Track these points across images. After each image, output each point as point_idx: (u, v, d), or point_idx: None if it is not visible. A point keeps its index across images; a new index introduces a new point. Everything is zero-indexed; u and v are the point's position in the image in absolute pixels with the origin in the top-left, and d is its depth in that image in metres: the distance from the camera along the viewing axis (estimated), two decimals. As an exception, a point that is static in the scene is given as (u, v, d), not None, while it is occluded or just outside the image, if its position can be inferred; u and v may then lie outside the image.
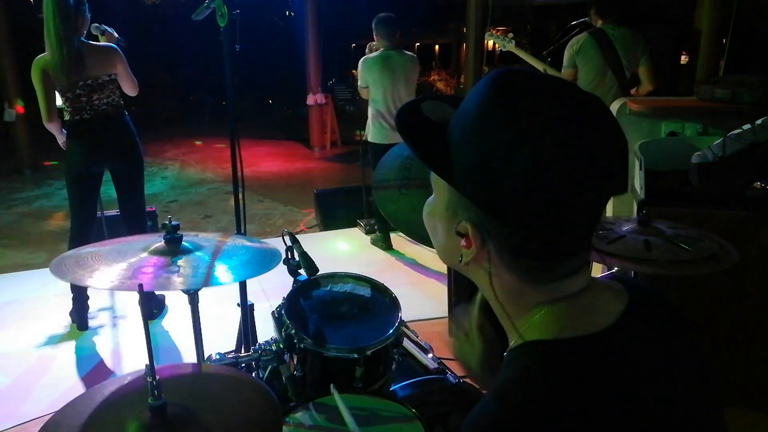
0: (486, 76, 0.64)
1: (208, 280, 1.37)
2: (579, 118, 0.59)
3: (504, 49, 4.07)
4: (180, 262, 1.42)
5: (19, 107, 7.13)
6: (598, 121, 0.60)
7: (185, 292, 1.49)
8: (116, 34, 3.25)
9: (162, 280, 1.35)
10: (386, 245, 4.52)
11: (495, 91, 0.62)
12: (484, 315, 1.00)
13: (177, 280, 1.35)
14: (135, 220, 3.32)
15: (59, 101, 3.07)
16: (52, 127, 3.06)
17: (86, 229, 3.21)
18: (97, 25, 3.17)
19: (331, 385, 1.35)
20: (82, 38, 3.01)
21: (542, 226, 0.60)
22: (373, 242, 4.61)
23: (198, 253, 1.48)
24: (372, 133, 4.19)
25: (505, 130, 0.59)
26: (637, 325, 0.66)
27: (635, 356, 0.63)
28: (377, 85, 4.07)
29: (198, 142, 10.19)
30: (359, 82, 4.20)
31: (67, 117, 3.05)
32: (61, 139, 3.11)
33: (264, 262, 1.49)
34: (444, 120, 0.67)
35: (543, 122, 0.58)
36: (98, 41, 3.17)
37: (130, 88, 3.21)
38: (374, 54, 4.11)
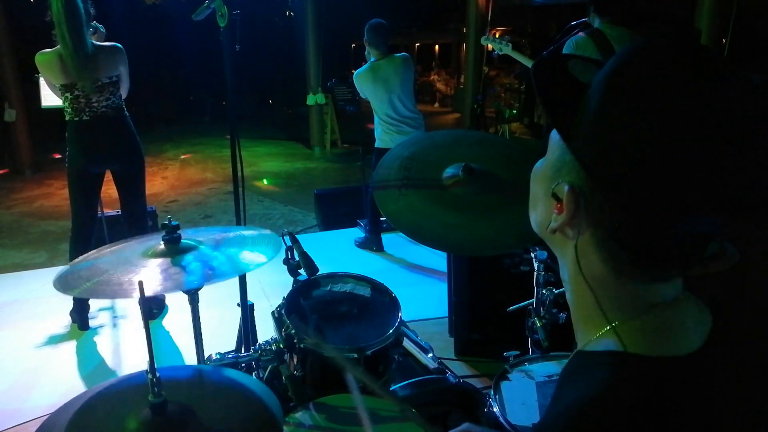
0: (635, 41, 0.59)
1: (212, 277, 1.36)
2: (728, 106, 0.51)
3: (501, 53, 4.07)
4: (182, 262, 1.42)
5: None
6: (752, 115, 0.52)
7: (185, 291, 1.49)
8: (103, 30, 3.26)
9: (167, 283, 1.34)
10: (377, 247, 4.51)
11: (637, 53, 0.56)
12: None
13: (180, 279, 1.35)
14: (136, 220, 3.32)
15: (59, 101, 3.09)
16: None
17: (87, 228, 3.22)
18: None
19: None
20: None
21: (643, 215, 0.54)
22: (363, 246, 4.61)
23: (198, 250, 1.47)
24: (385, 139, 4.19)
25: (636, 93, 0.53)
26: (724, 350, 0.61)
27: (720, 388, 0.59)
28: (374, 96, 4.11)
29: (197, 146, 10.20)
30: (359, 93, 4.28)
31: (67, 117, 3.06)
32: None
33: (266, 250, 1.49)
34: (588, 80, 0.61)
35: (683, 97, 0.52)
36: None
37: (124, 90, 3.22)
38: (364, 68, 4.14)
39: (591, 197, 0.58)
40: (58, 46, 2.97)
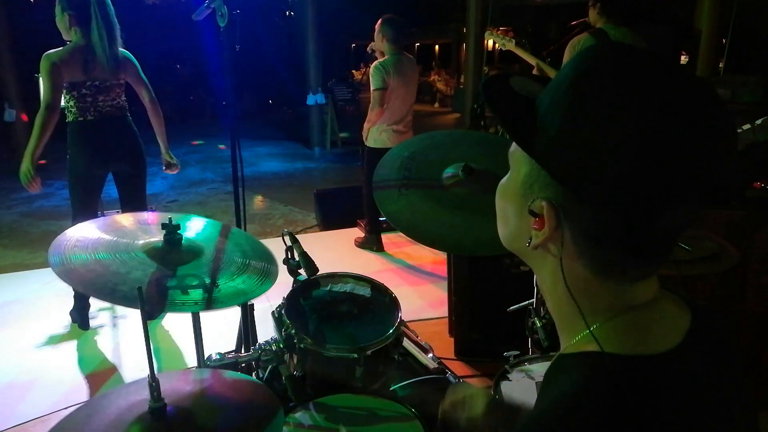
0: (585, 48, 0.60)
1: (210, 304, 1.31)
2: (690, 100, 0.54)
3: (504, 48, 4.07)
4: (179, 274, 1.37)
5: (24, 115, 7.15)
6: (710, 108, 0.55)
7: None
8: None
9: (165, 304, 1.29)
10: (377, 247, 4.51)
11: (595, 58, 0.58)
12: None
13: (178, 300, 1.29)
14: None
15: (62, 102, 3.08)
16: (50, 118, 2.93)
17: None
18: None
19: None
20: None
21: (628, 213, 0.55)
22: (363, 246, 4.60)
23: (198, 263, 1.42)
24: (382, 138, 4.10)
25: (603, 96, 0.54)
26: (701, 346, 0.63)
27: (700, 382, 0.60)
28: (393, 90, 4.00)
29: (198, 142, 10.20)
30: (377, 84, 3.93)
31: (70, 118, 3.04)
32: (45, 136, 3.00)
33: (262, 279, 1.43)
34: (532, 95, 0.63)
35: (650, 95, 0.53)
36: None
37: (144, 95, 3.23)
38: (387, 59, 4.02)
39: (571, 209, 0.58)
40: (71, 43, 2.96)
